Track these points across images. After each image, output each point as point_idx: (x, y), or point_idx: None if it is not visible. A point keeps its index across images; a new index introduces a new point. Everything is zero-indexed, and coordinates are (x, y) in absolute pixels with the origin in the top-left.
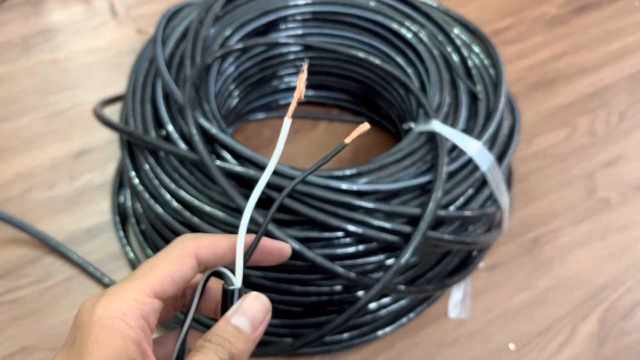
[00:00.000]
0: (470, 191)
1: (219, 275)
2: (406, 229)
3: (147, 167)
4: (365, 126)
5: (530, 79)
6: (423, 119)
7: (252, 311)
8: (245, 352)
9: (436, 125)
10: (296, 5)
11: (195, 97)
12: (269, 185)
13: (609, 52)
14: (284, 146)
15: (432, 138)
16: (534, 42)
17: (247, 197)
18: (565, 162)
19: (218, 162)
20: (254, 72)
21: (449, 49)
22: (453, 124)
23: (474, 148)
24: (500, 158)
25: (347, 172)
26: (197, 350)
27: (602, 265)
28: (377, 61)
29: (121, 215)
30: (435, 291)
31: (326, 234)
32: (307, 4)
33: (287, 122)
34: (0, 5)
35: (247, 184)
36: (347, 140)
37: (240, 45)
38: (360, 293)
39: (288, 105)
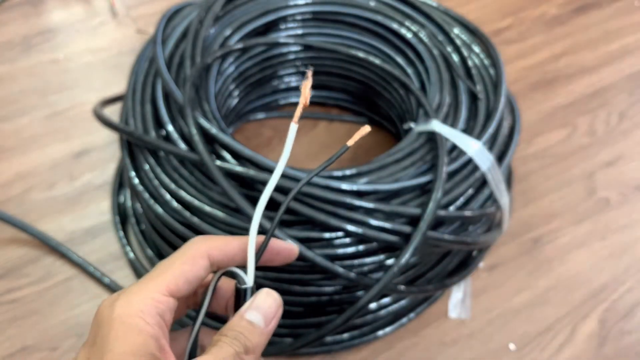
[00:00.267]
0: (470, 191)
1: (230, 274)
2: (406, 229)
3: (147, 167)
4: (367, 129)
5: (530, 79)
6: (423, 119)
7: (264, 306)
8: (259, 345)
9: (436, 125)
10: (296, 5)
11: (195, 97)
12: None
13: (609, 52)
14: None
15: (432, 138)
16: (533, 42)
17: (247, 197)
18: (565, 162)
19: (218, 162)
20: (254, 72)
21: (449, 48)
22: (453, 124)
23: (474, 148)
24: (500, 158)
25: (347, 172)
26: (214, 344)
27: (602, 265)
28: (377, 61)
29: (121, 215)
30: (435, 291)
31: (326, 234)
32: (307, 4)
33: (294, 127)
34: (0, 5)
35: (247, 184)
36: (350, 142)
37: (240, 45)
38: (361, 293)
39: (288, 105)
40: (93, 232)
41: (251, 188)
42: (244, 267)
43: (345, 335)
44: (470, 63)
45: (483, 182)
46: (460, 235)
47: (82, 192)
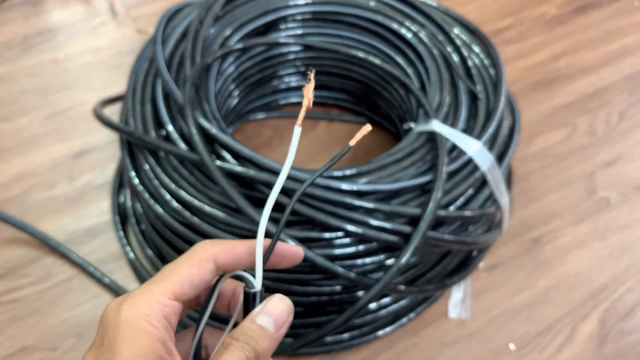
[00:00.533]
0: (470, 191)
1: (237, 277)
2: (406, 229)
3: (147, 167)
4: (368, 127)
5: (530, 79)
6: (423, 119)
7: (276, 312)
8: (269, 350)
9: (436, 125)
10: (296, 5)
11: (195, 97)
12: (265, 184)
13: (609, 52)
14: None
15: (432, 138)
16: (533, 42)
17: (247, 197)
18: (565, 162)
19: (218, 162)
20: (254, 72)
21: (449, 48)
22: (453, 124)
23: (474, 148)
24: (500, 158)
25: (347, 172)
26: (225, 348)
27: (602, 265)
28: (377, 61)
29: (121, 215)
30: (435, 291)
31: (326, 234)
32: (307, 4)
33: (298, 130)
34: (0, 5)
35: (247, 184)
36: (352, 142)
37: (240, 45)
38: (361, 293)
39: (288, 105)
40: (93, 232)
41: (251, 188)
42: (248, 270)
43: (345, 335)
44: (470, 63)
45: (483, 182)
46: (460, 235)
47: (82, 192)
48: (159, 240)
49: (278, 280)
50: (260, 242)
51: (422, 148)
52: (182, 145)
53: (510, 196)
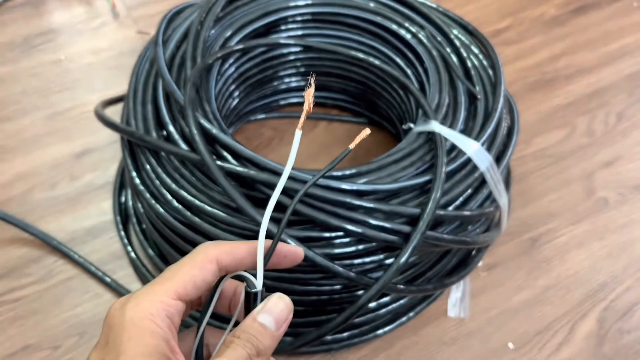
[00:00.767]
0: (469, 191)
1: (238, 278)
2: (405, 228)
3: (148, 167)
4: (367, 131)
5: (529, 79)
6: (422, 120)
7: (276, 310)
8: (270, 348)
9: (435, 126)
10: (296, 6)
11: (196, 97)
12: (265, 184)
13: (608, 53)
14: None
15: (431, 138)
16: (532, 43)
17: (247, 197)
18: (564, 162)
19: (219, 163)
20: (254, 73)
21: (448, 49)
22: (452, 125)
23: (473, 148)
24: (498, 158)
25: (347, 172)
26: (227, 345)
27: (601, 265)
28: (376, 62)
29: (122, 215)
30: (434, 290)
31: (326, 234)
32: (307, 5)
33: (298, 133)
34: (1, 5)
35: (247, 184)
36: (351, 146)
37: (240, 46)
38: (360, 292)
39: (288, 105)
40: (94, 232)
41: (251, 188)
42: (249, 270)
43: (345, 334)
44: (469, 64)
45: (482, 182)
46: (459, 234)
47: (84, 192)
48: (160, 240)
49: (278, 279)
50: (261, 243)
51: (421, 148)
52: (183, 146)
53: (509, 196)
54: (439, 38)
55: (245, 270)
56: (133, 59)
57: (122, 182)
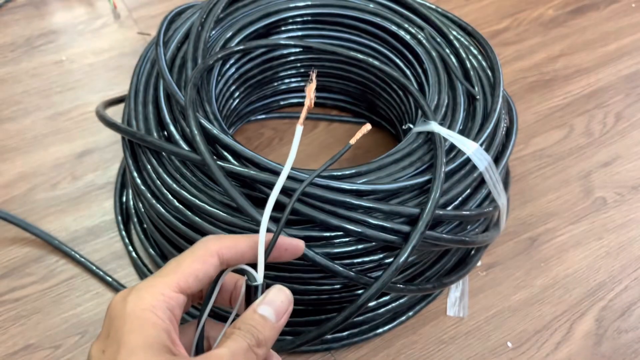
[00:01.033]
0: (468, 191)
1: (239, 272)
2: (405, 228)
3: (149, 167)
4: (367, 127)
5: (528, 80)
6: (421, 120)
7: (276, 302)
8: (270, 339)
9: (434, 126)
10: (296, 7)
11: (197, 98)
12: (265, 184)
13: (606, 53)
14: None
15: (431, 139)
16: (531, 44)
17: (248, 197)
18: (563, 163)
19: (219, 163)
20: (255, 74)
21: (447, 50)
22: (451, 125)
23: (472, 148)
24: (497, 158)
25: (347, 172)
26: (227, 336)
27: (599, 265)
28: (376, 63)
29: (123, 215)
30: (433, 290)
31: (326, 234)
32: (307, 6)
33: (299, 129)
34: (3, 6)
35: (247, 184)
36: (352, 141)
37: (241, 47)
38: (360, 292)
39: (288, 105)
40: (95, 232)
41: (252, 188)
42: (250, 264)
43: (345, 333)
44: (468, 64)
45: (481, 182)
46: (458, 234)
47: (85, 192)
48: (161, 239)
49: (278, 279)
50: (262, 237)
51: (421, 149)
52: (184, 146)
53: (508, 196)
54: (438, 39)
55: (246, 264)
56: (134, 59)
57: (123, 182)
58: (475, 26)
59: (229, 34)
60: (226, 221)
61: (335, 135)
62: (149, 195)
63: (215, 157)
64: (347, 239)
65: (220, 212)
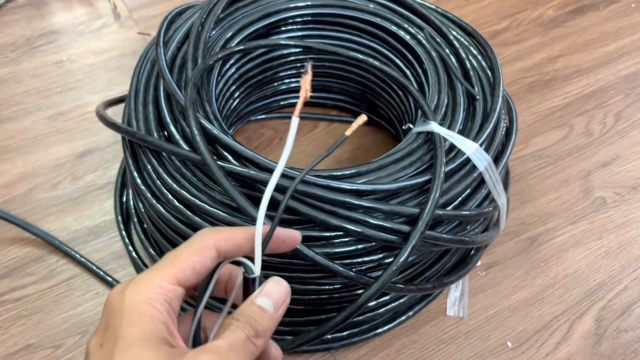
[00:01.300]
0: (468, 191)
1: (237, 263)
2: (405, 228)
3: (149, 167)
4: (363, 118)
5: (528, 80)
6: (421, 120)
7: (274, 293)
8: (268, 330)
9: (434, 126)
10: (296, 7)
11: (197, 98)
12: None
13: (606, 54)
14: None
15: (431, 139)
16: (531, 44)
17: (248, 197)
18: (562, 163)
19: (219, 163)
20: (255, 74)
21: (447, 50)
22: (451, 125)
23: (472, 148)
24: (497, 158)
25: (347, 172)
26: (225, 327)
27: (599, 264)
28: (376, 63)
29: (124, 215)
30: (433, 290)
31: (326, 234)
32: (307, 7)
33: (295, 121)
34: (3, 7)
35: (247, 184)
36: (348, 132)
37: (241, 47)
38: (360, 291)
39: (288, 106)
40: (96, 232)
41: (252, 188)
42: (249, 257)
43: (345, 333)
44: (468, 65)
45: (481, 182)
46: (458, 234)
47: (85, 192)
48: (161, 239)
49: None
50: (259, 229)
51: (421, 149)
52: (184, 146)
53: (508, 196)
54: (438, 39)
55: (243, 256)
56: (134, 59)
57: (123, 182)
58: (475, 26)
59: (229, 34)
60: (226, 221)
61: (335, 135)
62: (149, 195)
63: (215, 157)
64: (347, 239)
65: (220, 212)
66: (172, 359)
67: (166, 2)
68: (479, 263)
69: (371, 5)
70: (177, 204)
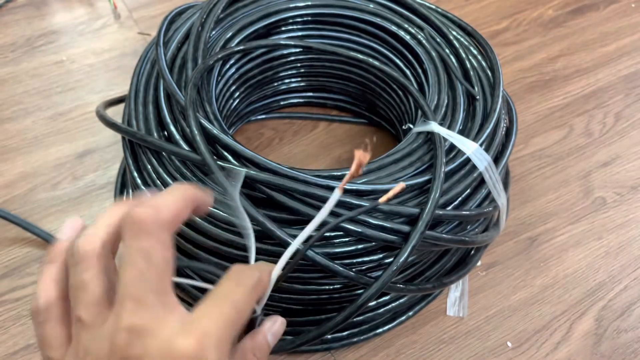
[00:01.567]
0: (468, 191)
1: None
2: (405, 228)
3: (149, 167)
4: (402, 185)
5: (527, 80)
6: (421, 120)
7: (280, 332)
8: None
9: (434, 126)
10: (296, 7)
11: (197, 98)
12: (265, 184)
13: (606, 54)
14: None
15: (431, 139)
16: (531, 44)
17: (248, 197)
18: (562, 163)
19: (219, 163)
20: (255, 74)
21: (447, 50)
22: (451, 125)
23: (472, 148)
24: (497, 158)
25: (347, 172)
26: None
27: (599, 264)
28: (376, 63)
29: None
30: (433, 290)
31: (326, 233)
32: (307, 6)
33: (336, 193)
34: (3, 7)
35: (247, 184)
36: (382, 200)
37: (241, 47)
38: (360, 291)
39: (288, 106)
40: None
41: (252, 188)
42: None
43: (345, 333)
44: (468, 65)
45: (481, 182)
46: (458, 234)
47: (86, 192)
48: None
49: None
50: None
51: (421, 148)
52: (184, 146)
53: (508, 196)
54: (438, 39)
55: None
56: (134, 60)
57: (123, 182)
58: (475, 26)
59: (229, 34)
60: (226, 221)
61: (335, 135)
62: None
63: (215, 157)
64: (347, 239)
65: (221, 212)
66: None
67: (166, 2)
68: (479, 263)
69: (371, 5)
70: None
